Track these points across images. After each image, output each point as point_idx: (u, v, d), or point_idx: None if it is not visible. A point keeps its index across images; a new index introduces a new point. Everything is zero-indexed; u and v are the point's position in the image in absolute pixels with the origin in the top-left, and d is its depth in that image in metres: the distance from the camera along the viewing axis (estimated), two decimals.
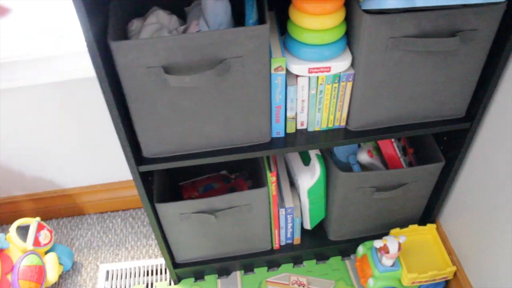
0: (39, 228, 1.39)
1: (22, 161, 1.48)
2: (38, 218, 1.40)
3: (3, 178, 1.51)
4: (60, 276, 1.49)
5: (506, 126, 1.03)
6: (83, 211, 1.66)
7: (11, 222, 1.62)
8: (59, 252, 1.44)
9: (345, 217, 1.32)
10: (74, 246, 1.58)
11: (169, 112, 0.95)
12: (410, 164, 1.31)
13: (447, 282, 1.35)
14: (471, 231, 1.22)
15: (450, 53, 0.95)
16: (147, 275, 1.48)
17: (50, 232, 1.42)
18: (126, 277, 1.48)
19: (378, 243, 1.24)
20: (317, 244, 1.42)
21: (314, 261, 1.47)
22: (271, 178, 1.18)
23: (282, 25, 1.07)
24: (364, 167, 1.33)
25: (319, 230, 1.44)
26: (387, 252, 1.23)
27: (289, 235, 1.39)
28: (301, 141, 1.08)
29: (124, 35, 0.97)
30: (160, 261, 1.51)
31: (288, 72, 0.98)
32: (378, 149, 1.31)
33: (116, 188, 1.60)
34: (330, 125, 1.09)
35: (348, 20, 0.95)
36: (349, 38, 0.98)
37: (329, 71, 0.96)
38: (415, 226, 1.35)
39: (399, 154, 1.27)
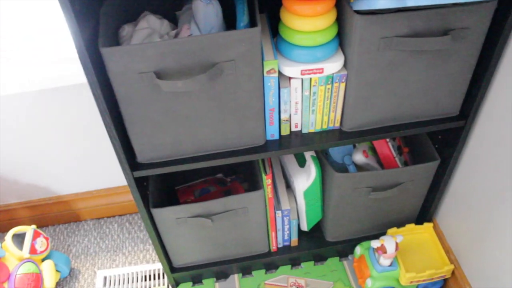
0: (35, 235, 1.38)
1: (16, 169, 1.47)
2: (34, 226, 1.39)
3: None
4: (58, 283, 1.48)
5: (500, 122, 1.03)
6: (79, 218, 1.65)
7: (6, 230, 1.61)
8: (56, 259, 1.43)
9: (342, 218, 1.32)
10: (71, 252, 1.57)
11: (163, 117, 0.95)
12: (405, 164, 1.31)
13: (445, 280, 1.35)
14: (468, 229, 1.22)
15: (443, 52, 0.95)
16: (145, 280, 1.48)
17: (47, 239, 1.41)
18: (123, 283, 1.47)
19: (375, 243, 1.24)
20: (315, 245, 1.42)
21: (312, 262, 1.47)
22: (267, 180, 1.18)
23: (274, 28, 1.06)
24: (359, 168, 1.33)
25: (316, 232, 1.44)
26: (385, 252, 1.23)
27: (286, 237, 1.38)
28: (295, 143, 1.08)
29: (115, 41, 0.96)
30: (158, 266, 1.51)
31: (280, 75, 0.98)
32: (373, 149, 1.31)
33: (112, 193, 1.60)
34: (325, 127, 1.09)
35: (340, 21, 0.95)
36: (341, 39, 0.98)
37: (322, 72, 0.96)
38: (412, 226, 1.35)
39: (394, 154, 1.27)
